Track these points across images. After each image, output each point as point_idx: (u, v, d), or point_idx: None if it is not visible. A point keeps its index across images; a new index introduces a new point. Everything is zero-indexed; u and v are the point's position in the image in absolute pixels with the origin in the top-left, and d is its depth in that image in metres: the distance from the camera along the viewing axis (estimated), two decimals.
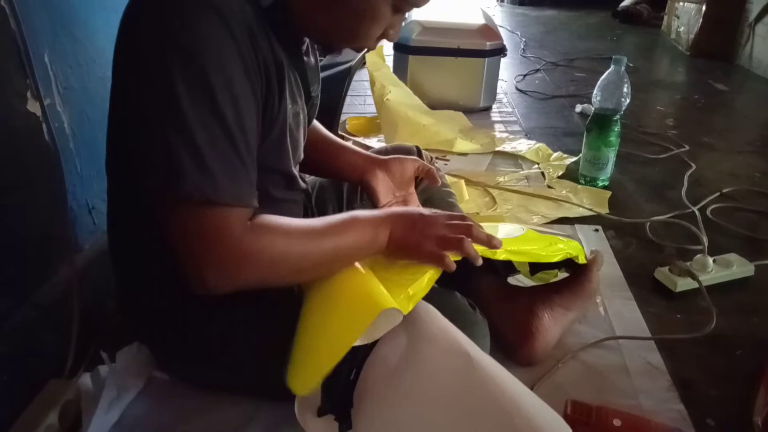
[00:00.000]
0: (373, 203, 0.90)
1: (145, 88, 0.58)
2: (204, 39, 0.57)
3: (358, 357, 0.68)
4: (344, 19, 0.67)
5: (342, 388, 0.68)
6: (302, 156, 0.83)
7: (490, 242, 0.73)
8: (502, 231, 0.93)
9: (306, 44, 0.77)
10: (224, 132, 0.58)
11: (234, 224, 0.59)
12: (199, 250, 0.58)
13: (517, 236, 0.90)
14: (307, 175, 0.94)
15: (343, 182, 1.02)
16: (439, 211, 0.74)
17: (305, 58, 0.77)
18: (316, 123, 0.95)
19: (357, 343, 0.65)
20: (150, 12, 0.58)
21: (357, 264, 0.73)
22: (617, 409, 0.77)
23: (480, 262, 0.72)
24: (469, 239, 0.71)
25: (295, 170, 0.81)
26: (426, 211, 0.74)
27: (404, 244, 0.71)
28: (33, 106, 0.83)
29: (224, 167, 0.59)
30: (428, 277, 0.72)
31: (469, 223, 0.73)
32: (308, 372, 0.66)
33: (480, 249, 0.77)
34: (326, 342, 0.66)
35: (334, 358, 0.64)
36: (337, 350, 0.63)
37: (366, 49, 0.74)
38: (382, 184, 0.89)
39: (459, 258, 0.75)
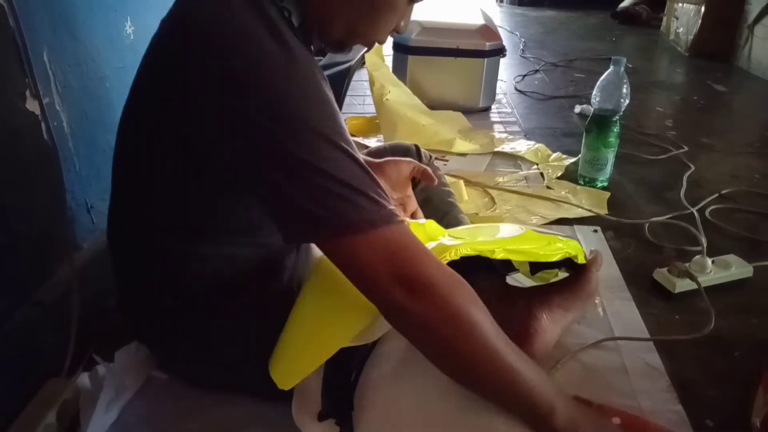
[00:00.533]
0: None
1: (264, 147, 0.57)
2: (303, 79, 0.58)
3: (357, 358, 0.68)
4: (363, 15, 0.67)
5: (342, 390, 0.67)
6: None
7: None
8: (502, 231, 0.93)
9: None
10: (354, 162, 0.59)
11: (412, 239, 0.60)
12: (393, 269, 0.57)
13: (516, 236, 0.90)
14: None
15: None
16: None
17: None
18: None
19: (355, 343, 0.65)
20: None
21: None
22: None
23: None
24: None
25: None
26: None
27: None
28: (32, 105, 0.83)
29: (369, 194, 0.59)
30: None
31: None
32: (295, 366, 0.66)
33: (479, 248, 0.77)
34: (318, 339, 0.65)
35: (324, 355, 0.63)
36: (328, 348, 0.63)
37: (375, 44, 0.74)
38: None
39: (457, 258, 0.75)
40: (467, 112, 2.01)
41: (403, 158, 0.94)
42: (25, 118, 0.82)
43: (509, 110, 2.15)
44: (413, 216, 0.97)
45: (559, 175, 1.57)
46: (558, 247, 0.89)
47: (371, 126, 1.88)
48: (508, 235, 0.90)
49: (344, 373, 0.68)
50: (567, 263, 0.93)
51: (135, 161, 0.70)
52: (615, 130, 1.43)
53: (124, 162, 0.72)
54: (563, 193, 1.46)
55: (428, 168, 0.93)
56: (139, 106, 0.67)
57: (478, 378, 0.61)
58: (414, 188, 0.96)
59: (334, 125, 0.58)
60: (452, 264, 0.74)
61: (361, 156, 0.61)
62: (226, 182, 0.64)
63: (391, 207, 0.60)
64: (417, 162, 0.94)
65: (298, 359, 0.66)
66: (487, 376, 0.60)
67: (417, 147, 1.10)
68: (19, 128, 0.82)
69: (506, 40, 2.10)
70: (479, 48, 1.99)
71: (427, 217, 1.01)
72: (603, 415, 0.74)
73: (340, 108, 1.69)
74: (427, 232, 0.81)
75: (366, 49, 0.76)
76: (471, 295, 0.61)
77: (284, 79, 0.57)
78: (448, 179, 1.24)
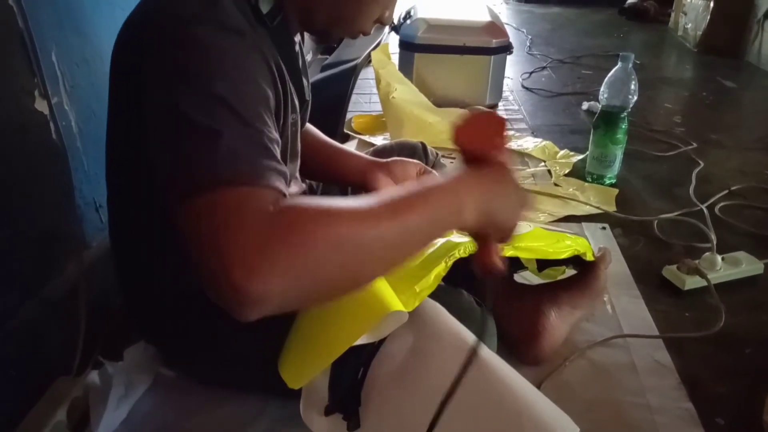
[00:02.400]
0: None
1: (154, 85, 0.56)
2: (226, 49, 0.55)
3: (364, 356, 0.68)
4: (345, 3, 0.68)
5: (349, 386, 0.67)
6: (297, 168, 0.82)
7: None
8: None
9: (297, 44, 0.77)
10: (240, 122, 0.52)
11: (257, 205, 0.46)
12: (216, 246, 0.44)
13: (524, 233, 0.90)
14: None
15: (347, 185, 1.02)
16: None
17: (299, 62, 0.77)
18: (315, 129, 0.95)
19: (363, 341, 0.65)
20: (160, 28, 0.57)
21: None
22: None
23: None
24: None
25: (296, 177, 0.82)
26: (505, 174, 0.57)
27: (493, 216, 0.54)
28: (41, 105, 0.83)
29: (241, 150, 0.50)
30: (435, 275, 0.72)
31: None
32: (304, 365, 0.66)
33: None
34: (327, 338, 0.66)
35: (333, 355, 0.63)
36: (337, 347, 0.63)
37: (362, 36, 0.74)
38: (384, 185, 0.90)
39: (466, 255, 0.75)
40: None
41: (409, 159, 0.95)
42: (34, 118, 0.83)
43: (516, 107, 2.14)
44: None
45: (566, 172, 1.56)
46: (566, 244, 0.88)
47: (378, 124, 1.88)
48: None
49: (352, 370, 0.68)
50: (575, 261, 0.93)
51: (122, 160, 0.71)
52: (623, 126, 1.42)
53: (114, 162, 0.73)
54: (571, 190, 1.46)
55: (434, 172, 0.93)
56: (116, 102, 0.68)
57: (369, 271, 0.50)
58: None
59: (229, 87, 0.52)
60: (459, 262, 0.75)
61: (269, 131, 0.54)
62: None
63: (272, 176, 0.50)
64: (423, 164, 0.94)
65: (308, 358, 0.66)
66: (376, 262, 0.49)
67: (424, 145, 1.10)
68: (29, 128, 0.82)
69: (513, 37, 2.09)
70: (486, 45, 1.98)
71: None
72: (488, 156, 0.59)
73: (347, 106, 1.69)
74: None
75: (372, 47, 0.76)
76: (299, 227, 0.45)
77: (181, 39, 0.54)
78: None
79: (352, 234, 0.46)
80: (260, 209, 0.46)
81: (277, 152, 0.54)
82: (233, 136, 0.50)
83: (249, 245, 0.44)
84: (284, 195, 0.50)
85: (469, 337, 0.67)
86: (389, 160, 0.93)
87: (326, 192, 1.02)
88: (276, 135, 0.56)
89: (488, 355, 0.65)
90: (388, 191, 0.51)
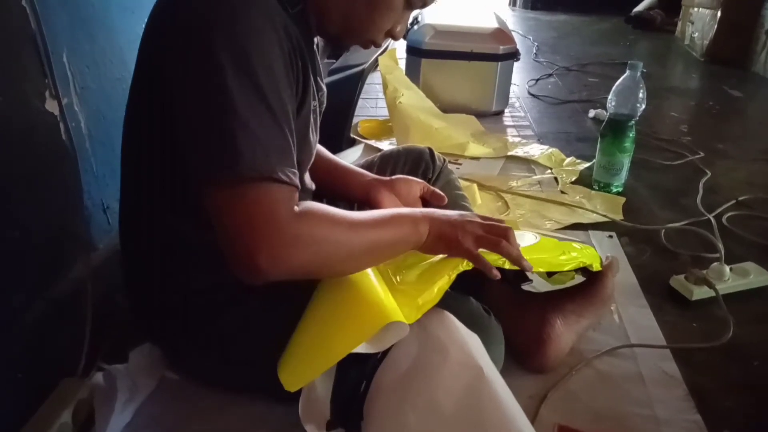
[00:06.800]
0: None
1: (193, 78, 0.59)
2: (251, 31, 0.59)
3: (367, 369, 0.67)
4: (359, 10, 0.70)
5: (352, 400, 0.67)
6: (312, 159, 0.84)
7: (520, 262, 0.74)
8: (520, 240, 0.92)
9: (316, 42, 0.79)
10: (272, 117, 0.60)
11: (284, 204, 0.59)
12: (250, 231, 0.57)
13: (530, 245, 0.90)
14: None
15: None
16: (476, 214, 0.77)
17: (317, 57, 0.79)
18: (320, 146, 0.97)
19: (364, 350, 0.64)
20: (196, 5, 0.59)
21: (369, 271, 0.72)
22: None
23: (496, 274, 0.72)
24: (504, 242, 0.73)
25: (307, 167, 0.83)
26: (466, 212, 0.77)
27: (443, 238, 0.72)
28: (51, 106, 0.83)
29: (276, 149, 0.60)
30: (438, 287, 0.71)
31: (507, 227, 0.75)
32: (302, 369, 0.66)
33: (491, 258, 0.77)
34: (327, 343, 0.65)
35: (331, 360, 0.63)
36: (336, 353, 0.63)
37: (373, 47, 0.76)
38: (387, 201, 0.91)
39: (470, 268, 0.74)
40: (480, 115, 2.00)
41: (413, 177, 0.96)
42: (44, 119, 0.83)
43: (522, 114, 2.14)
44: None
45: (573, 179, 1.56)
46: (572, 256, 0.88)
47: (384, 129, 1.88)
48: (522, 244, 0.89)
49: (355, 383, 0.68)
50: (583, 269, 0.92)
51: (137, 158, 0.72)
52: (631, 135, 1.42)
53: (128, 160, 0.73)
54: (578, 198, 1.45)
55: (438, 191, 0.95)
56: (139, 94, 0.69)
57: (352, 266, 0.69)
58: (425, 204, 0.96)
59: (264, 76, 0.59)
60: (465, 274, 0.74)
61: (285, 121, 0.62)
62: None
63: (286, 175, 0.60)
64: (426, 183, 0.96)
65: (306, 362, 0.66)
66: (358, 259, 0.68)
67: (431, 150, 1.10)
68: (38, 128, 0.82)
69: (519, 44, 2.09)
70: (493, 51, 1.99)
71: None
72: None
73: (353, 111, 1.69)
74: None
75: (379, 52, 0.78)
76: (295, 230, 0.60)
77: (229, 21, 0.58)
78: (462, 183, 1.23)
79: (345, 239, 0.64)
80: (289, 207, 0.60)
81: (296, 150, 0.64)
82: (270, 135, 0.59)
83: (278, 237, 0.57)
84: (298, 190, 0.62)
85: (476, 353, 0.66)
86: (393, 178, 0.95)
87: (332, 205, 1.03)
88: (292, 126, 0.64)
89: (494, 374, 0.65)
90: (372, 212, 0.70)
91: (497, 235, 0.73)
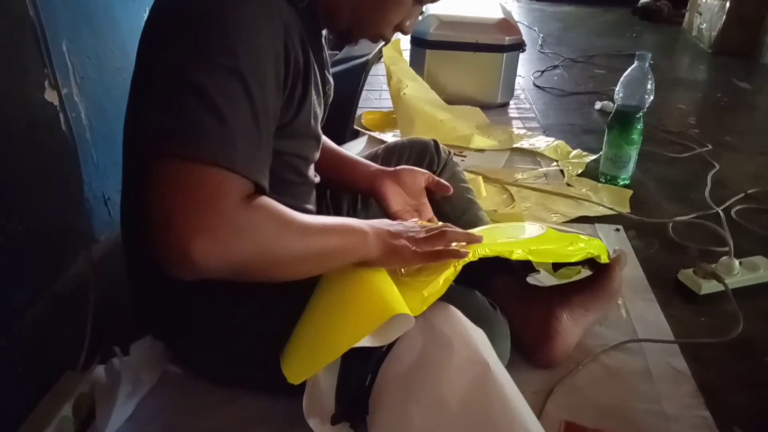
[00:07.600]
0: (385, 210, 0.90)
1: (176, 54, 0.57)
2: (243, 24, 0.57)
3: (372, 363, 0.67)
4: (368, 5, 0.70)
5: (357, 394, 0.66)
6: (318, 152, 0.83)
7: (470, 239, 0.74)
8: (522, 231, 0.91)
9: (323, 36, 0.78)
10: (251, 114, 0.57)
11: (234, 192, 0.55)
12: (193, 212, 0.52)
13: (537, 236, 0.88)
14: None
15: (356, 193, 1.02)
16: (410, 222, 0.78)
17: (323, 51, 0.78)
18: (324, 137, 0.95)
19: (369, 344, 0.63)
20: None
21: None
22: None
23: (465, 253, 0.72)
24: (448, 230, 0.74)
25: (314, 160, 0.82)
26: (403, 222, 0.77)
27: (394, 250, 0.70)
28: (51, 96, 0.82)
29: (244, 137, 0.56)
30: (444, 278, 0.70)
31: (444, 228, 0.74)
32: (306, 361, 0.65)
33: (498, 250, 0.76)
34: (330, 336, 0.65)
35: (335, 353, 0.63)
36: (340, 346, 0.62)
37: (381, 41, 0.76)
38: (392, 192, 0.90)
39: (476, 259, 0.73)
40: (485, 107, 1.98)
41: (418, 168, 0.94)
42: (44, 109, 0.82)
43: (528, 106, 2.12)
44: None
45: (579, 172, 1.54)
46: (579, 247, 0.87)
47: (388, 120, 1.86)
48: (528, 235, 0.88)
49: (359, 377, 0.67)
50: (590, 262, 0.91)
51: (138, 149, 0.70)
52: (638, 127, 1.40)
53: (130, 151, 0.72)
54: (584, 190, 1.44)
55: (443, 181, 0.93)
56: (138, 80, 0.68)
57: (293, 271, 0.63)
58: (430, 195, 0.95)
59: (247, 60, 0.57)
60: (470, 265, 0.73)
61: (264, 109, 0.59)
62: None
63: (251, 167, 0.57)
64: (432, 174, 0.94)
65: (309, 355, 0.65)
66: (300, 264, 0.63)
67: (436, 142, 1.08)
68: (38, 119, 0.81)
69: (524, 36, 2.06)
70: (498, 42, 1.96)
71: (446, 214, 1.00)
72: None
73: (357, 102, 1.68)
74: None
75: (383, 43, 0.77)
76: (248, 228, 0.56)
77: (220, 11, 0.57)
78: (467, 176, 1.22)
79: (290, 240, 0.60)
80: (237, 197, 0.55)
81: (270, 149, 0.61)
82: (239, 124, 0.56)
83: (218, 223, 0.52)
84: (263, 189, 0.58)
85: (482, 348, 0.65)
86: (398, 168, 0.93)
87: (336, 197, 1.02)
88: (270, 126, 0.61)
89: (500, 370, 0.64)
90: (323, 218, 0.66)
91: (437, 230, 0.73)
